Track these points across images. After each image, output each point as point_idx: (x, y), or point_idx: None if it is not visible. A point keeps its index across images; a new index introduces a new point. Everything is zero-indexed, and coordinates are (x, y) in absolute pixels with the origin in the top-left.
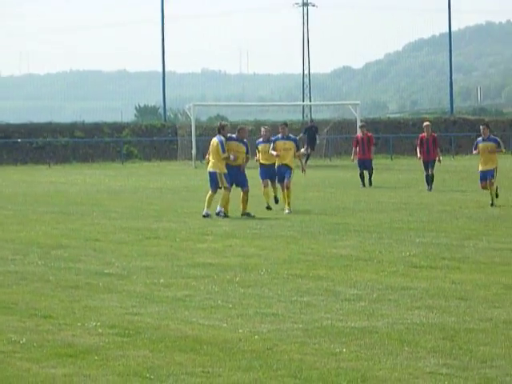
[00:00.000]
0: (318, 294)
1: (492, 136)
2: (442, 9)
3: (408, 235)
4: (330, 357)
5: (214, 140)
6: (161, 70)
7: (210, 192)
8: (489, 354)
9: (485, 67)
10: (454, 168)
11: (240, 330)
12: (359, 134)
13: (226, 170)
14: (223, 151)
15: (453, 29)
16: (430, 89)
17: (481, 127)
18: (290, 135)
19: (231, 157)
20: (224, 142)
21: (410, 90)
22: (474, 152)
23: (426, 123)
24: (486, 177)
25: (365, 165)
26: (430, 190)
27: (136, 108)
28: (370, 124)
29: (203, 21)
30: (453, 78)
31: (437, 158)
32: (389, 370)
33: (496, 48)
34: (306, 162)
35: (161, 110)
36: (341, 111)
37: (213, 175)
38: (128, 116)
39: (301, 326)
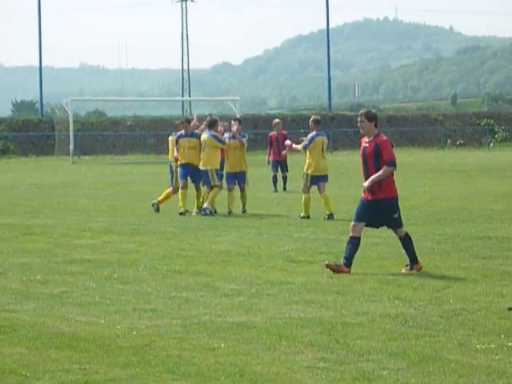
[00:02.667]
0: (196, 289)
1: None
2: (320, 5)
3: (287, 230)
4: (208, 352)
5: (204, 136)
6: (38, 64)
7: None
8: (365, 347)
9: (362, 63)
10: (332, 164)
11: (118, 327)
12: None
13: (218, 166)
14: (222, 143)
15: (331, 25)
16: (308, 85)
17: (232, 122)
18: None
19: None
20: (218, 136)
21: (289, 86)
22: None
23: (275, 120)
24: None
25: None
26: (285, 189)
27: (12, 103)
28: (250, 120)
29: (82, 15)
30: (331, 74)
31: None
32: (267, 365)
33: (373, 44)
34: None
35: (38, 105)
36: (220, 107)
37: (204, 174)
38: (4, 111)
39: (179, 321)
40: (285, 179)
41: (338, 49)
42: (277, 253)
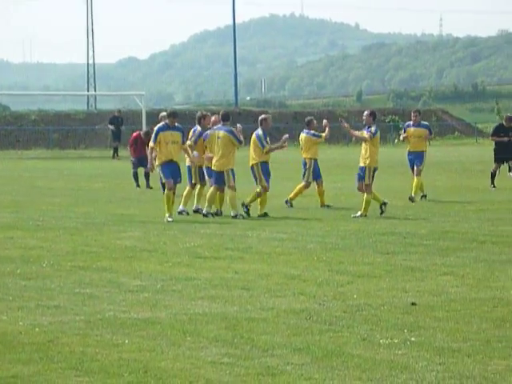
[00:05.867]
0: (101, 285)
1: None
2: (226, 0)
3: (193, 226)
4: (112, 348)
5: (220, 132)
6: None
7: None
8: (270, 342)
9: (269, 60)
10: (241, 160)
11: (20, 323)
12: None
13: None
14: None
15: (237, 21)
16: (215, 80)
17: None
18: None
19: (194, 153)
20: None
21: (196, 81)
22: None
23: (162, 114)
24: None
25: (142, 163)
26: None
27: None
28: (156, 115)
29: None
30: (238, 70)
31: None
32: (171, 361)
33: (280, 41)
34: (115, 154)
35: None
36: (126, 102)
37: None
38: None
39: (83, 317)
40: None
41: (245, 44)
42: (182, 248)
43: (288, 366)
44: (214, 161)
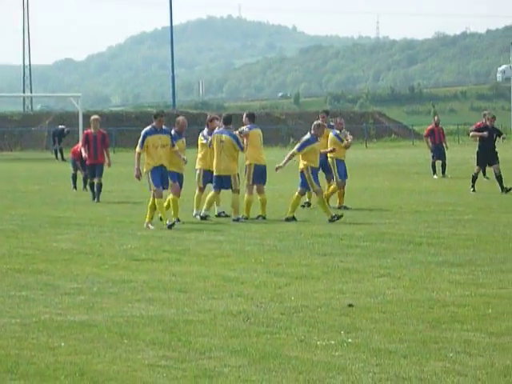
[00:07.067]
0: (36, 288)
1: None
2: (163, 2)
3: (130, 228)
4: (48, 351)
5: (223, 136)
6: None
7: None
8: (207, 344)
9: (206, 61)
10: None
11: None
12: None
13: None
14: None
15: (174, 23)
16: (152, 82)
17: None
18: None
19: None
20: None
21: (133, 83)
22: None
23: (93, 117)
24: None
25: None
26: (97, 200)
27: None
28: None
29: None
30: (175, 72)
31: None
32: (108, 364)
33: (217, 43)
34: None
35: None
36: (63, 103)
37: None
38: None
39: (18, 320)
40: (99, 186)
41: (182, 46)
42: (119, 251)
43: (225, 369)
44: (215, 164)
